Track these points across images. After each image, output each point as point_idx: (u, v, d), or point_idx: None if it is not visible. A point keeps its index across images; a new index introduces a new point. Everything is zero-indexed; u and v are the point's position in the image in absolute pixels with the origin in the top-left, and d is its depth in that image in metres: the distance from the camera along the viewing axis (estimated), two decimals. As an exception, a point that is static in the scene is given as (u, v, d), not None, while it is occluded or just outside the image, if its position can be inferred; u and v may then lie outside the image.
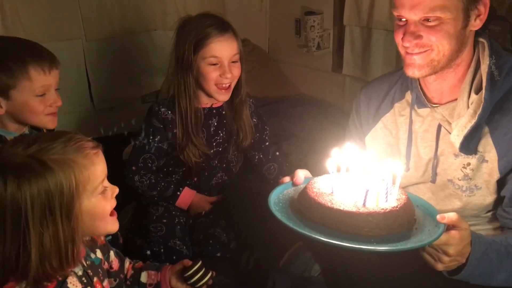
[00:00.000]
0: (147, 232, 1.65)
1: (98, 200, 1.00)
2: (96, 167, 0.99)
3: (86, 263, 1.07)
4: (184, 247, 1.63)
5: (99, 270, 1.11)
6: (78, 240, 0.96)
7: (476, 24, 1.22)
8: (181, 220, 1.74)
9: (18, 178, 0.90)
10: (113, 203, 1.04)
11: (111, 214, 1.04)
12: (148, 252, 1.59)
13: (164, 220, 1.70)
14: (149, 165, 1.79)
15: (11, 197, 0.90)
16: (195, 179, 1.85)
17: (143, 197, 1.83)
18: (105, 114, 2.79)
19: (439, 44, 1.20)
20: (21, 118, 1.46)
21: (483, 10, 1.21)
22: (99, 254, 1.14)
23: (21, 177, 0.90)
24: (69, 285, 0.99)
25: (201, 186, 1.87)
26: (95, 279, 1.07)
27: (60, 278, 0.97)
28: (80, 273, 1.03)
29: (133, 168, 1.78)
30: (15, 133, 1.47)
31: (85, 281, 1.03)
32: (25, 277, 0.93)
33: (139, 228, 1.70)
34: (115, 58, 2.76)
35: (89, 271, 1.06)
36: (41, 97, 1.44)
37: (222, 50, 1.68)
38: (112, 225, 1.05)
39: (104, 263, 1.16)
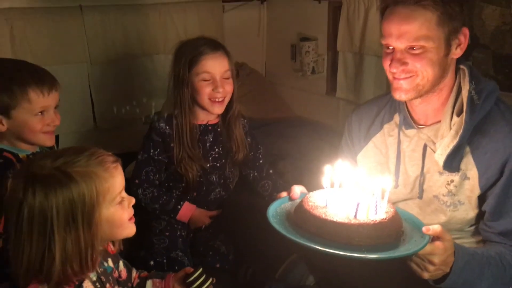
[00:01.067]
0: (150, 244, 1.74)
1: (116, 209, 1.09)
2: (115, 180, 1.08)
3: (99, 270, 1.15)
4: (186, 258, 1.71)
5: (110, 277, 1.19)
6: (97, 246, 1.05)
7: (457, 52, 1.32)
8: (183, 233, 1.83)
9: (45, 188, 0.99)
10: (130, 212, 1.13)
11: (129, 219, 1.13)
12: (152, 263, 1.68)
13: (167, 233, 1.78)
14: (151, 177, 1.88)
15: (39, 206, 0.99)
16: (195, 194, 1.94)
17: (145, 212, 1.92)
18: (108, 134, 2.87)
19: (423, 70, 1.30)
20: (21, 136, 1.52)
21: (463, 39, 1.31)
22: (110, 263, 1.22)
23: (48, 188, 0.99)
24: None
25: (200, 201, 1.95)
26: (107, 285, 1.15)
27: (76, 282, 1.05)
28: (94, 278, 1.11)
29: (136, 181, 1.87)
30: (27, 151, 1.56)
31: (98, 286, 1.11)
32: (47, 280, 1.01)
33: (142, 241, 1.78)
34: (118, 81, 2.85)
35: (102, 277, 1.14)
36: (39, 116, 1.51)
37: (214, 66, 1.81)
38: (130, 230, 1.14)
39: (114, 272, 1.24)
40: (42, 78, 1.51)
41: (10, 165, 1.45)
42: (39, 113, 1.51)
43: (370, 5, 2.56)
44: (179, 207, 1.89)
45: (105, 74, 2.80)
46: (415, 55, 1.30)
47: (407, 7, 1.28)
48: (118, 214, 1.10)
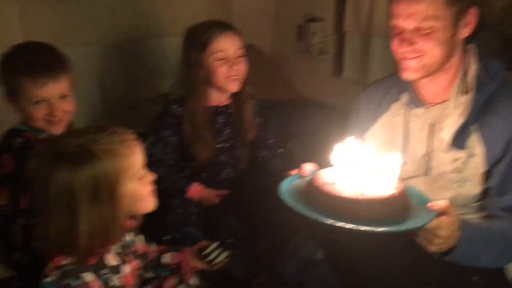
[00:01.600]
0: (164, 221, 1.79)
1: (137, 185, 1.14)
2: (136, 156, 1.13)
3: (121, 243, 1.20)
4: (199, 234, 1.77)
5: (131, 250, 1.25)
6: (119, 220, 1.10)
7: (465, 32, 1.35)
8: (195, 210, 1.88)
9: (71, 165, 1.05)
10: (150, 187, 1.18)
11: (150, 194, 1.18)
12: (167, 238, 1.73)
13: (180, 210, 1.84)
14: (161, 158, 1.92)
15: (65, 182, 1.04)
16: (205, 173, 1.98)
17: (158, 190, 1.96)
18: (116, 115, 2.90)
19: (431, 50, 1.33)
20: (29, 121, 1.54)
21: (472, 19, 1.33)
22: (130, 237, 1.27)
23: (73, 165, 1.05)
24: (107, 260, 1.13)
25: (210, 181, 2.00)
26: (128, 257, 1.21)
27: (100, 255, 1.11)
28: (116, 251, 1.17)
29: (147, 161, 1.91)
30: (44, 133, 1.59)
31: (120, 258, 1.17)
32: (73, 252, 1.06)
33: (157, 218, 1.83)
34: (127, 62, 2.86)
35: (124, 249, 1.20)
36: (38, 105, 1.51)
37: (227, 44, 1.85)
38: (151, 204, 1.19)
39: (134, 245, 1.29)
40: (37, 69, 1.50)
41: (31, 145, 1.50)
42: (37, 102, 1.51)
43: (378, -15, 2.56)
44: (186, 188, 1.93)
45: (114, 56, 2.81)
46: (423, 35, 1.32)
47: None
48: (139, 189, 1.15)
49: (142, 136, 1.97)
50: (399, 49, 1.37)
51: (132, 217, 1.25)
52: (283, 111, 2.88)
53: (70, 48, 2.58)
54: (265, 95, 2.85)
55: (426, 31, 1.31)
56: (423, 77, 1.39)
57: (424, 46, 1.33)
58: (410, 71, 1.38)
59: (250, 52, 3.25)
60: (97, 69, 2.78)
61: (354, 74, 2.91)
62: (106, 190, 1.07)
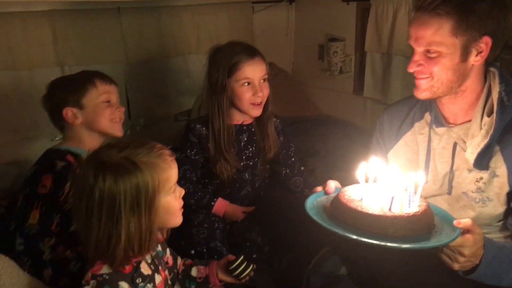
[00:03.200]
0: (190, 235, 1.83)
1: (171, 198, 1.19)
2: (172, 171, 1.18)
3: (153, 253, 1.25)
4: (224, 248, 1.81)
5: (162, 261, 1.30)
6: (155, 230, 1.15)
7: (477, 59, 1.37)
8: (220, 225, 1.92)
9: (115, 175, 1.10)
10: (180, 202, 1.23)
11: (179, 209, 1.23)
12: (193, 252, 1.77)
13: (205, 225, 1.88)
14: (188, 175, 1.98)
15: (109, 190, 1.09)
16: (228, 190, 2.03)
17: (184, 206, 2.01)
18: (142, 130, 2.98)
19: (438, 74, 1.38)
20: (93, 125, 1.72)
21: (484, 47, 1.35)
22: (160, 248, 1.32)
23: (118, 174, 1.10)
24: (142, 269, 1.17)
25: (233, 197, 2.04)
26: (159, 267, 1.25)
27: (135, 264, 1.15)
28: (149, 260, 1.22)
29: None
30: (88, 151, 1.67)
31: (153, 267, 1.21)
32: (112, 259, 1.11)
33: (182, 233, 1.88)
34: (152, 79, 2.96)
35: (156, 260, 1.24)
36: (106, 104, 1.73)
37: (253, 72, 1.89)
38: (179, 219, 1.24)
39: (164, 257, 1.34)
40: (103, 73, 1.78)
41: (72, 169, 1.56)
42: (106, 102, 1.73)
43: (399, 7, 2.61)
44: (212, 203, 1.99)
45: (140, 73, 2.90)
46: (430, 59, 1.38)
47: (425, 13, 1.35)
48: (173, 203, 1.20)
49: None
50: (410, 69, 1.43)
51: (160, 230, 1.30)
52: (303, 128, 2.92)
53: (99, 65, 2.71)
54: (285, 112, 2.90)
55: (433, 55, 1.37)
56: (433, 97, 1.44)
57: (430, 69, 1.38)
58: (419, 90, 1.44)
59: (271, 70, 3.33)
60: (124, 85, 2.87)
61: (374, 93, 2.96)
62: (146, 201, 1.12)
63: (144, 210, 1.12)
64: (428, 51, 1.37)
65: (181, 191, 1.23)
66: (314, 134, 2.86)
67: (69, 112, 1.70)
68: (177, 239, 1.86)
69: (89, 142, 1.70)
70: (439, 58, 1.36)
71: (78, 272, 1.51)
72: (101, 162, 1.13)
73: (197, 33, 3.02)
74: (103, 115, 1.73)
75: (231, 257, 1.42)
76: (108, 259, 1.12)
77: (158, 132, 3.02)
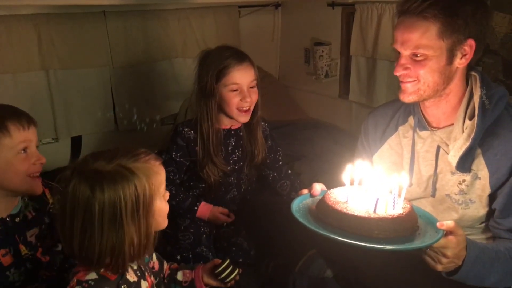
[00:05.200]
0: (176, 240, 1.83)
1: (162, 202, 1.19)
2: (162, 175, 1.18)
3: (139, 260, 1.24)
4: (210, 253, 1.81)
5: (148, 267, 1.29)
6: (152, 235, 1.15)
7: (461, 62, 1.39)
8: (206, 230, 1.92)
9: (113, 183, 1.08)
10: (168, 205, 1.23)
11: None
12: (178, 257, 1.77)
13: (191, 230, 1.88)
14: (171, 177, 1.97)
15: (109, 200, 1.08)
16: (214, 194, 2.03)
17: (170, 210, 2.01)
18: (128, 135, 2.97)
19: (424, 77, 1.39)
20: (5, 184, 1.38)
21: (469, 50, 1.38)
22: (146, 255, 1.31)
23: (116, 182, 1.09)
24: (127, 276, 1.17)
25: (218, 201, 2.05)
26: (146, 273, 1.25)
27: (120, 271, 1.15)
28: (135, 267, 1.21)
29: None
30: None
31: (139, 274, 1.21)
32: (116, 268, 1.11)
33: (168, 237, 1.87)
34: (138, 84, 2.94)
35: (142, 266, 1.24)
36: (23, 154, 1.39)
37: (242, 77, 1.89)
38: (166, 223, 1.24)
39: (150, 262, 1.34)
40: (18, 113, 1.42)
41: None
42: (22, 151, 1.39)
43: (383, 11, 2.64)
44: (195, 208, 1.98)
45: (126, 77, 2.89)
46: (417, 62, 1.39)
47: (411, 17, 1.36)
48: (164, 207, 1.20)
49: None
50: (396, 72, 1.44)
51: None
52: (290, 132, 2.94)
53: (84, 69, 2.70)
54: (271, 116, 2.91)
55: (419, 58, 1.38)
56: (418, 100, 1.46)
57: (417, 72, 1.40)
58: (406, 93, 1.45)
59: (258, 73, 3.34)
60: (110, 90, 2.86)
61: (360, 97, 2.98)
62: (145, 207, 1.12)
63: (143, 216, 1.11)
64: (414, 54, 1.38)
65: (168, 195, 1.24)
66: (301, 138, 2.88)
67: None
68: (162, 244, 1.87)
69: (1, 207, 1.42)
70: (426, 61, 1.37)
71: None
72: (94, 173, 1.10)
73: (183, 37, 3.03)
74: (18, 171, 1.37)
75: (217, 261, 1.42)
76: (109, 267, 1.11)
77: (145, 136, 3.01)
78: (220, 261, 1.41)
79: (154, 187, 1.14)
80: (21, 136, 1.38)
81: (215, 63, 1.89)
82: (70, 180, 1.11)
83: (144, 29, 2.88)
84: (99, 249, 1.09)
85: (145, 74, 2.96)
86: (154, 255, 1.39)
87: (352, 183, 1.33)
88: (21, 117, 1.40)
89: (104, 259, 1.10)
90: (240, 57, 1.91)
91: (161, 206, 1.19)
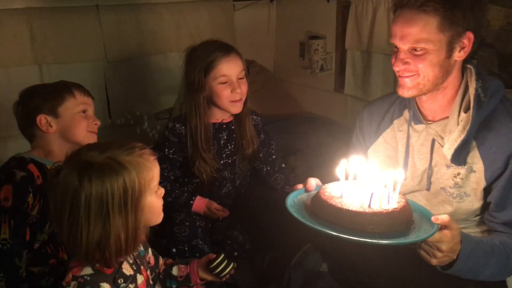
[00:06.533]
0: (171, 234, 1.83)
1: (154, 197, 1.18)
2: (156, 170, 1.18)
3: (135, 253, 1.24)
4: (206, 246, 1.80)
5: (144, 261, 1.29)
6: (140, 230, 1.14)
7: (460, 55, 1.39)
8: (201, 224, 1.92)
9: (101, 175, 1.08)
10: (162, 201, 1.22)
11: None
12: (174, 250, 1.77)
13: (187, 223, 1.88)
14: (166, 174, 1.97)
15: (96, 191, 1.07)
16: (208, 189, 2.03)
17: (165, 204, 2.00)
18: (122, 129, 2.95)
19: (424, 71, 1.38)
20: (68, 135, 1.66)
21: (467, 43, 1.38)
22: (142, 248, 1.31)
23: (104, 175, 1.08)
24: (124, 269, 1.16)
25: (213, 195, 2.04)
26: (142, 267, 1.25)
27: (117, 265, 1.14)
28: (131, 261, 1.21)
29: None
30: (57, 163, 1.54)
31: (135, 267, 1.21)
32: (103, 261, 1.10)
33: (163, 231, 1.87)
34: (133, 78, 2.92)
35: (137, 260, 1.24)
36: (83, 114, 1.69)
37: (230, 69, 1.89)
38: (160, 218, 1.23)
39: (146, 256, 1.33)
40: (81, 86, 1.76)
41: (31, 180, 1.54)
42: (83, 112, 1.69)
43: (378, 5, 2.63)
44: (191, 202, 1.98)
45: (120, 72, 2.87)
46: (417, 56, 1.38)
47: (411, 11, 1.35)
48: (156, 202, 1.19)
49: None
50: (396, 67, 1.43)
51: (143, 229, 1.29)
52: (284, 126, 2.93)
53: (78, 64, 2.68)
54: (267, 110, 2.91)
55: (419, 52, 1.37)
56: (417, 95, 1.45)
57: (417, 66, 1.39)
58: (405, 88, 1.44)
59: (253, 68, 3.33)
60: (104, 84, 2.84)
61: (355, 90, 2.98)
62: (133, 201, 1.11)
63: (131, 210, 1.11)
64: (414, 48, 1.37)
65: (162, 190, 1.23)
66: (296, 131, 2.87)
67: (43, 120, 1.64)
68: (157, 238, 1.86)
69: (59, 153, 1.64)
70: (426, 55, 1.36)
71: (53, 285, 1.50)
72: (85, 164, 1.10)
73: (177, 31, 3.00)
74: (80, 125, 1.68)
75: (211, 255, 1.42)
76: (98, 261, 1.11)
77: (140, 131, 3.00)
78: (214, 255, 1.41)
79: (145, 182, 1.13)
80: (82, 99, 1.70)
81: (202, 57, 1.89)
82: (63, 169, 1.11)
83: (138, 23, 2.86)
84: (86, 241, 1.08)
85: (139, 69, 2.94)
86: (150, 250, 1.39)
87: (347, 178, 1.32)
88: (83, 87, 1.75)
89: (91, 251, 1.10)
90: (227, 49, 1.91)
91: (153, 202, 1.18)
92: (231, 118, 2.01)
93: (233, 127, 2.02)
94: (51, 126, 1.64)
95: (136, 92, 2.97)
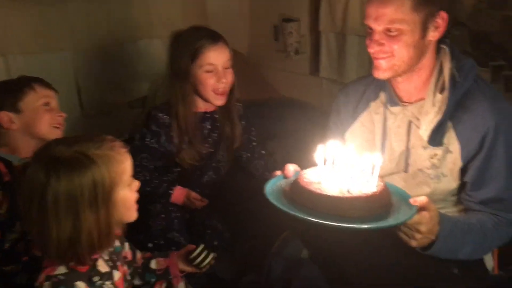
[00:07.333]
0: (147, 228, 1.79)
1: (128, 191, 1.15)
2: (127, 163, 1.14)
3: (110, 249, 1.21)
4: (182, 238, 1.78)
5: (120, 257, 1.26)
6: (113, 225, 1.11)
7: (435, 35, 1.39)
8: (178, 214, 1.88)
9: (69, 170, 1.04)
10: (136, 195, 1.19)
11: (135, 203, 1.20)
12: (150, 245, 1.74)
13: (162, 216, 1.84)
14: (145, 164, 1.93)
15: (64, 188, 1.04)
16: (189, 178, 1.99)
17: (140, 196, 1.96)
18: (95, 120, 2.88)
19: (400, 52, 1.37)
20: (32, 130, 1.64)
21: (441, 23, 1.37)
22: (118, 243, 1.28)
23: (72, 170, 1.04)
24: (99, 267, 1.13)
25: (193, 184, 2.01)
26: (118, 263, 1.22)
27: (91, 262, 1.11)
28: (106, 257, 1.17)
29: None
30: (24, 160, 1.57)
31: (111, 264, 1.18)
32: (75, 258, 1.06)
33: (139, 225, 1.83)
34: (103, 67, 2.84)
35: (113, 256, 1.20)
36: (46, 107, 1.67)
37: (217, 57, 1.84)
38: (135, 214, 1.20)
39: (122, 252, 1.30)
40: (43, 80, 1.74)
41: None
42: (45, 105, 1.67)
43: (351, -14, 2.61)
44: (170, 191, 1.94)
45: (90, 61, 2.79)
46: (391, 37, 1.36)
47: None
48: (129, 196, 1.16)
49: (126, 141, 2.00)
50: (370, 49, 1.42)
51: (118, 224, 1.25)
52: (261, 111, 2.90)
53: (46, 54, 2.59)
54: (243, 95, 2.88)
55: (394, 33, 1.36)
56: (393, 76, 1.44)
57: (392, 48, 1.38)
58: (380, 70, 1.43)
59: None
60: (74, 74, 2.76)
61: (331, 73, 2.97)
62: (104, 196, 1.08)
63: (102, 205, 1.07)
64: (388, 29, 1.35)
65: (136, 184, 1.19)
66: (272, 116, 2.85)
67: (4, 117, 1.61)
68: (133, 233, 1.82)
69: (25, 149, 1.62)
70: (400, 36, 1.35)
71: (28, 281, 1.46)
72: (52, 159, 1.06)
73: (148, 18, 2.93)
74: (43, 119, 1.66)
75: (191, 246, 1.40)
76: (71, 259, 1.07)
77: (113, 121, 2.93)
78: (194, 246, 1.39)
79: (116, 175, 1.10)
80: (43, 92, 1.69)
81: (189, 43, 1.84)
82: (30, 165, 1.07)
83: (107, 10, 2.77)
84: (56, 239, 1.05)
85: (110, 57, 2.87)
86: (126, 244, 1.36)
87: (325, 163, 1.31)
88: (43, 80, 1.73)
89: (63, 250, 1.06)
90: (215, 36, 1.87)
91: (126, 196, 1.15)
92: (214, 108, 1.97)
93: (216, 116, 1.98)
94: (13, 122, 1.61)
95: (107, 81, 2.89)
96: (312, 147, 1.34)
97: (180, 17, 2.98)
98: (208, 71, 1.83)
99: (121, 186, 1.13)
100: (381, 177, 1.51)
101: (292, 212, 1.20)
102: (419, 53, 1.39)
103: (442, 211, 1.44)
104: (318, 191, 1.22)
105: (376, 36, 1.38)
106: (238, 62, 3.30)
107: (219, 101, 1.88)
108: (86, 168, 1.06)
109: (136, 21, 2.90)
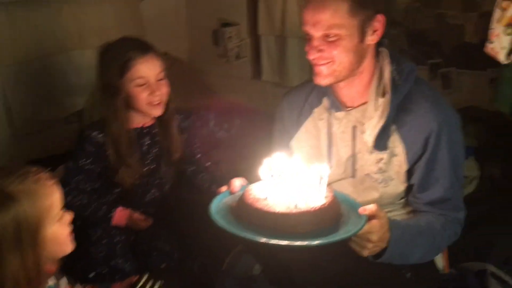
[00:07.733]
0: (87, 255, 1.67)
1: (58, 227, 1.05)
2: (55, 196, 1.04)
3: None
4: (127, 264, 1.67)
5: (55, 295, 1.15)
6: (43, 265, 1.00)
7: (373, 38, 1.38)
8: (121, 238, 1.76)
9: None
10: (69, 228, 1.09)
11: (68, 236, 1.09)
12: (92, 275, 1.62)
13: (104, 241, 1.72)
14: (81, 187, 1.80)
15: None
16: (130, 198, 1.88)
17: (81, 220, 1.83)
18: (27, 138, 2.71)
19: (339, 57, 1.35)
20: None
21: (379, 26, 1.37)
22: (53, 281, 1.17)
23: None
24: None
25: (136, 203, 1.90)
26: (53, 304, 1.11)
27: None
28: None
29: (66, 189, 1.77)
30: None
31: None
32: None
33: (79, 253, 1.71)
34: (34, 81, 2.67)
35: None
36: None
37: (147, 70, 1.74)
38: (70, 246, 1.10)
39: (58, 289, 1.20)
40: None
41: None
42: None
43: (288, -12, 2.59)
44: (110, 214, 1.82)
45: (18, 76, 2.62)
46: (330, 43, 1.35)
47: None
48: (60, 232, 1.07)
49: (59, 160, 1.86)
50: (310, 56, 1.39)
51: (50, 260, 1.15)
52: (204, 118, 2.84)
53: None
54: (184, 103, 2.80)
55: (332, 39, 1.34)
56: (334, 82, 1.42)
57: (332, 53, 1.36)
58: (321, 76, 1.41)
59: (166, 61, 3.18)
60: (1, 90, 2.58)
61: (273, 76, 2.95)
62: (29, 235, 0.98)
63: (29, 246, 0.98)
64: (327, 35, 1.33)
65: (68, 217, 1.09)
66: (216, 123, 2.79)
67: None
68: (73, 260, 1.70)
69: None
70: (339, 41, 1.33)
71: None
72: None
73: (79, 27, 2.79)
74: None
75: (133, 278, 1.31)
76: None
77: (47, 139, 2.76)
78: (137, 277, 1.30)
79: (43, 212, 1.01)
80: None
81: (117, 57, 1.72)
82: None
83: (33, 20, 2.61)
84: None
85: (40, 71, 2.70)
86: (64, 280, 1.25)
87: (270, 177, 1.26)
88: None
89: None
90: (143, 48, 1.76)
91: (57, 232, 1.06)
92: (152, 122, 1.87)
93: (154, 131, 1.88)
94: None
95: (39, 96, 2.72)
96: (259, 154, 1.30)
97: (113, 25, 2.86)
98: (139, 85, 1.73)
99: (50, 222, 1.03)
100: (330, 183, 1.49)
101: (240, 233, 1.14)
102: (359, 57, 1.38)
103: (391, 214, 1.44)
104: (265, 208, 1.17)
105: (315, 42, 1.36)
106: (178, 69, 3.23)
107: (157, 111, 1.78)
108: (6, 206, 0.96)
109: (66, 31, 2.75)
